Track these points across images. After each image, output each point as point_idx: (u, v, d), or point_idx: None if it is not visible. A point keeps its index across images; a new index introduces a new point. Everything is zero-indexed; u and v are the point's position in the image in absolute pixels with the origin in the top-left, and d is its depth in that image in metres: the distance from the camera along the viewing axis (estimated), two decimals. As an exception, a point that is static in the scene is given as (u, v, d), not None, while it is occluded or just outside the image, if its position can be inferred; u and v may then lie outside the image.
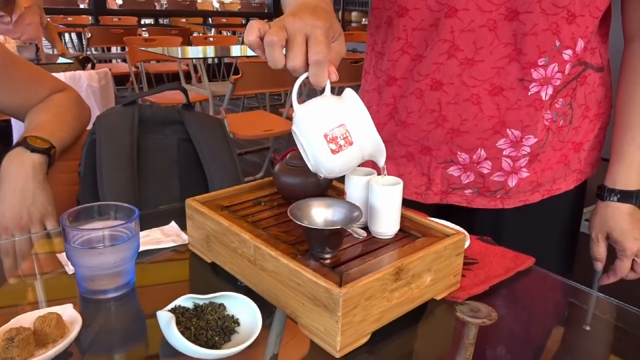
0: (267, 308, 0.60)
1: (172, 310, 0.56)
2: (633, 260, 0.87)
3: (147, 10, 7.25)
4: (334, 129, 0.57)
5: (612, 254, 0.89)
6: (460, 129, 0.84)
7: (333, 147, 0.57)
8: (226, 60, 5.83)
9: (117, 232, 0.65)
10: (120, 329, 0.61)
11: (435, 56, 0.82)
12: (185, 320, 0.55)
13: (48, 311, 0.55)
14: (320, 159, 0.58)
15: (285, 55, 0.56)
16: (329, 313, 0.53)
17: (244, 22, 7.62)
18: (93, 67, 2.42)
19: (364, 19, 8.29)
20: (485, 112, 0.82)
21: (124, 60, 5.24)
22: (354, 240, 0.65)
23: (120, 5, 7.50)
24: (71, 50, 6.37)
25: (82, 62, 2.45)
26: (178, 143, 1.04)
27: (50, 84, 1.06)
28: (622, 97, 0.86)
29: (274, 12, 7.73)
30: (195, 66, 4.24)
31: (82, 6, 7.23)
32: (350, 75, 3.20)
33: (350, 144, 0.58)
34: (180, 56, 3.76)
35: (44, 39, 3.47)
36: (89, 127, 1.03)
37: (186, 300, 0.58)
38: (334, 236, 0.59)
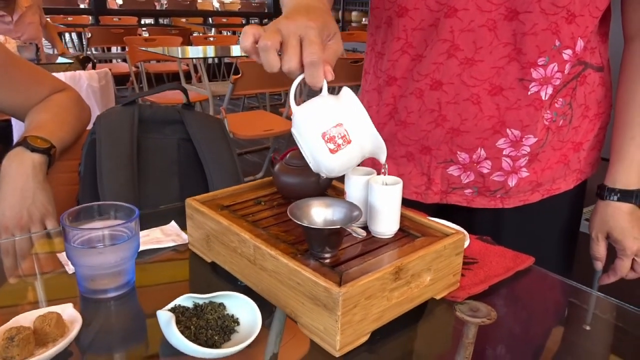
0: (266, 307, 0.60)
1: (172, 310, 0.56)
2: (633, 259, 0.87)
3: (147, 10, 7.25)
4: (332, 129, 0.57)
5: (612, 253, 0.89)
6: (460, 129, 0.84)
7: (331, 146, 0.57)
8: (226, 60, 5.83)
9: (117, 231, 0.65)
10: (120, 329, 0.61)
11: (435, 56, 0.82)
12: (185, 319, 0.55)
13: (48, 310, 0.55)
14: (319, 159, 0.58)
15: (280, 58, 0.56)
16: (328, 312, 0.53)
17: (244, 22, 7.63)
18: (94, 67, 2.42)
19: (364, 19, 8.30)
20: (485, 112, 0.82)
21: (124, 60, 5.24)
22: (354, 240, 0.65)
23: (120, 5, 7.50)
24: (71, 50, 6.37)
25: (83, 62, 2.45)
26: (178, 143, 1.04)
27: (50, 84, 1.06)
28: (622, 96, 0.86)
29: (274, 11, 7.73)
30: (195, 66, 4.24)
31: (82, 6, 7.23)
32: (350, 75, 3.20)
33: (349, 142, 0.58)
34: (180, 56, 3.76)
35: (43, 39, 3.47)
36: (89, 126, 1.03)
37: (186, 300, 0.58)
38: (333, 236, 0.59)
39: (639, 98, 0.84)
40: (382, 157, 0.61)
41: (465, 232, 0.75)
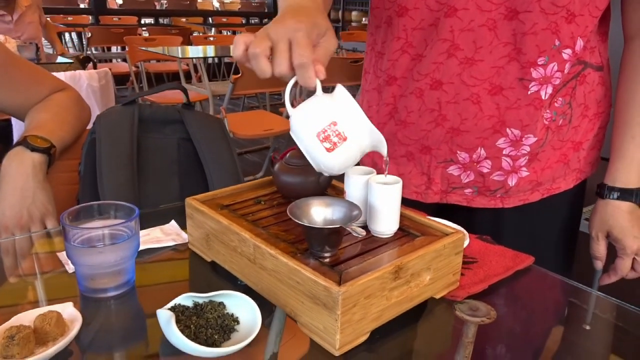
0: (266, 307, 0.60)
1: (172, 309, 0.56)
2: (633, 258, 0.87)
3: (147, 10, 7.25)
4: (326, 128, 0.57)
5: (612, 253, 0.89)
6: (460, 128, 0.84)
7: (327, 145, 0.58)
8: (226, 59, 5.82)
9: (117, 231, 0.65)
10: (121, 328, 0.61)
11: (435, 56, 0.82)
12: (185, 318, 0.55)
13: (48, 309, 0.55)
14: (317, 159, 0.59)
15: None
16: (328, 311, 0.53)
17: (244, 21, 7.63)
18: (95, 67, 2.41)
19: (364, 19, 8.29)
20: (485, 112, 0.82)
21: (124, 60, 5.24)
22: (354, 239, 0.65)
23: (120, 5, 7.50)
24: (71, 50, 6.37)
25: (83, 62, 2.45)
26: (178, 142, 1.04)
27: (50, 84, 1.06)
28: (622, 96, 0.86)
29: (274, 11, 7.71)
30: (195, 66, 4.24)
31: (82, 6, 7.23)
32: (350, 74, 3.20)
33: (345, 139, 0.58)
34: (180, 56, 3.76)
35: (43, 38, 3.47)
36: (89, 126, 1.03)
37: (186, 299, 0.58)
38: (333, 235, 0.59)
39: (639, 97, 0.84)
40: (384, 150, 0.61)
41: (465, 232, 0.75)
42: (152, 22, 7.18)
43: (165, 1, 8.00)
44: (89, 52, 5.27)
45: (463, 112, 0.83)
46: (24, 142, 0.89)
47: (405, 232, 0.67)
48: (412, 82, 0.86)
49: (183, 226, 0.79)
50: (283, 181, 0.75)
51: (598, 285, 0.91)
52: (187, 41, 5.17)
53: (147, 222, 0.82)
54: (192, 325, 0.54)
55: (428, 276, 0.62)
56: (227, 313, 0.58)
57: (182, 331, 0.52)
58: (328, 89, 0.61)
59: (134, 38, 4.50)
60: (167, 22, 7.31)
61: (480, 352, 0.57)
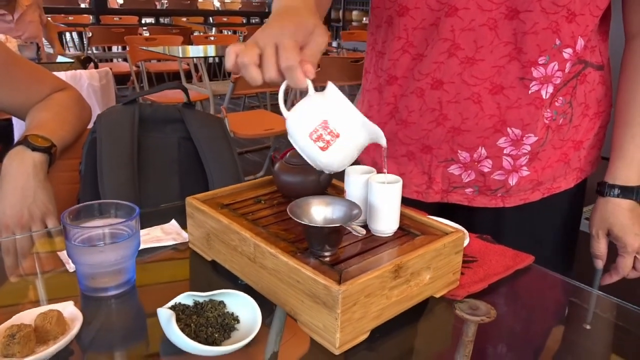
0: (267, 306, 0.60)
1: (173, 308, 0.56)
2: (635, 257, 0.87)
3: (148, 10, 7.26)
4: (317, 127, 0.58)
5: (613, 253, 0.89)
6: (461, 128, 0.84)
7: (321, 144, 0.58)
8: (227, 59, 5.81)
9: (118, 230, 0.65)
10: (121, 326, 0.61)
11: (435, 55, 0.82)
12: (186, 317, 0.55)
13: (49, 308, 0.56)
14: (313, 158, 0.59)
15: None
16: (328, 310, 0.53)
17: (244, 21, 7.63)
18: (96, 67, 2.41)
19: (364, 18, 8.29)
20: (486, 111, 0.82)
21: (125, 60, 5.25)
22: (354, 238, 0.65)
23: (121, 5, 7.51)
24: (72, 50, 6.38)
25: (84, 63, 2.45)
26: (178, 142, 1.04)
27: (51, 83, 1.06)
28: (623, 95, 0.86)
29: (275, 11, 7.71)
30: (196, 65, 4.24)
31: (83, 5, 7.24)
32: (350, 74, 3.20)
33: (337, 136, 0.58)
34: (181, 55, 3.76)
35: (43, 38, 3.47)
36: (90, 125, 1.03)
37: (186, 298, 0.58)
38: (333, 234, 0.59)
39: None
40: (382, 141, 0.61)
41: (465, 231, 0.75)
42: (153, 21, 7.19)
43: (166, 1, 8.00)
44: (89, 52, 5.27)
45: (464, 111, 0.83)
46: (24, 141, 0.89)
47: (405, 231, 0.67)
48: (413, 81, 0.86)
49: (183, 225, 0.80)
50: (283, 180, 0.75)
51: (599, 284, 0.91)
52: (188, 41, 5.17)
53: (147, 221, 0.82)
54: (192, 324, 0.54)
55: (428, 275, 0.62)
56: (228, 312, 0.58)
57: (183, 330, 0.52)
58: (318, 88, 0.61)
59: (135, 38, 4.50)
60: (168, 21, 7.32)
61: (480, 351, 0.57)
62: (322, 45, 0.61)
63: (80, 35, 6.45)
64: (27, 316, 0.55)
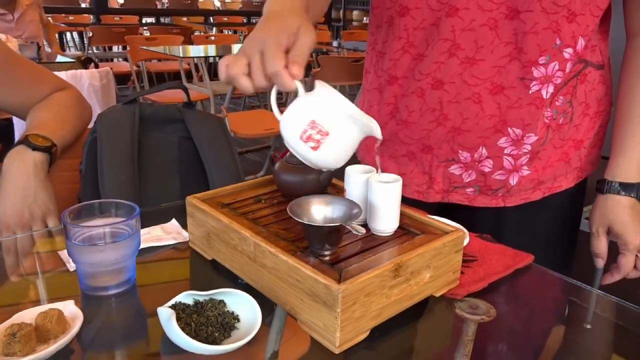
0: (267, 305, 0.60)
1: (173, 307, 0.56)
2: (636, 255, 0.86)
3: (148, 9, 7.26)
4: (306, 128, 0.58)
5: (613, 253, 0.89)
6: (462, 128, 0.84)
7: (312, 144, 0.58)
8: (227, 59, 5.81)
9: (118, 229, 0.65)
10: (121, 325, 0.61)
11: (436, 55, 0.82)
12: (186, 316, 0.56)
13: (49, 307, 0.56)
14: (307, 159, 0.59)
15: None
16: (328, 309, 0.53)
17: (245, 21, 7.62)
18: (96, 67, 2.42)
19: (365, 18, 8.29)
20: (486, 111, 0.82)
21: (126, 59, 5.25)
22: (353, 237, 0.65)
23: (121, 4, 7.51)
24: (73, 50, 6.38)
25: (84, 63, 2.45)
26: (179, 141, 1.04)
27: (51, 83, 1.07)
28: (624, 94, 0.86)
29: (276, 11, 7.70)
30: (196, 65, 4.24)
31: (83, 5, 7.24)
32: (351, 74, 3.20)
33: (327, 134, 0.58)
34: (181, 55, 3.76)
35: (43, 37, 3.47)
36: (90, 125, 1.03)
37: (187, 297, 0.58)
38: (333, 233, 0.60)
39: None
40: (377, 134, 0.60)
41: (465, 230, 0.75)
42: (153, 21, 7.19)
43: (167, 0, 8.00)
44: (90, 52, 5.27)
45: (464, 111, 0.83)
46: (25, 141, 0.89)
47: (405, 231, 0.67)
48: (414, 81, 0.86)
49: (184, 225, 0.80)
50: (283, 180, 0.75)
51: (599, 284, 0.91)
52: (188, 40, 5.17)
53: (147, 220, 0.82)
54: (192, 323, 0.55)
55: (428, 274, 0.62)
56: (228, 311, 0.58)
57: (183, 329, 0.52)
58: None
59: (135, 37, 4.50)
60: (168, 21, 7.32)
61: (480, 350, 0.57)
62: (309, 43, 0.61)
63: (80, 35, 6.45)
64: (28, 315, 0.55)
